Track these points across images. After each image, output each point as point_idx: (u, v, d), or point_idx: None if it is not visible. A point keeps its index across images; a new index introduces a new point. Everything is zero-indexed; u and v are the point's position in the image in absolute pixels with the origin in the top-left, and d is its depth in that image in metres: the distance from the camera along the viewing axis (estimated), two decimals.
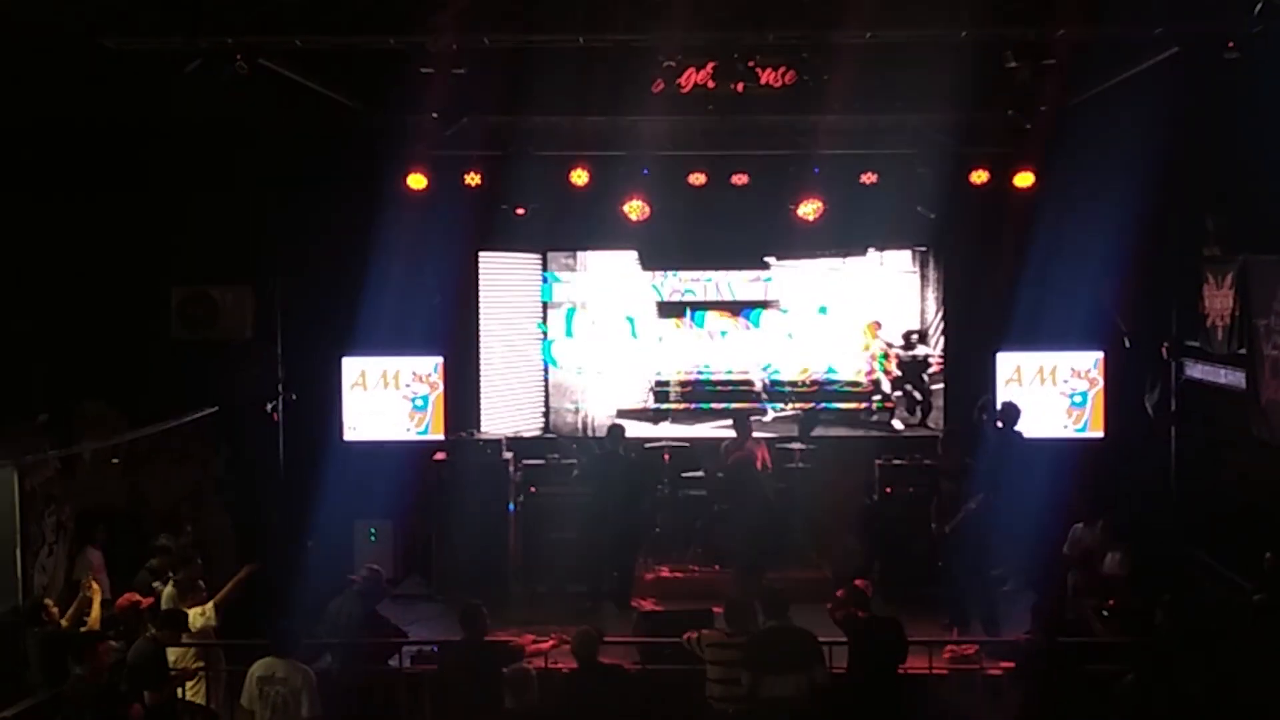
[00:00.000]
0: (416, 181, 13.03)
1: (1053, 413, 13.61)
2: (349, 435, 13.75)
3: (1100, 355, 13.62)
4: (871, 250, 14.70)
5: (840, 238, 14.25)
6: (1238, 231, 11.70)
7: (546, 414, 14.85)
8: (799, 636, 8.85)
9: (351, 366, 13.78)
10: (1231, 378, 11.48)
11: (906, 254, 14.69)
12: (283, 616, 9.41)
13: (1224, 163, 11.61)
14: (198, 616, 9.84)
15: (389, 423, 13.85)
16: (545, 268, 14.92)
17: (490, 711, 8.85)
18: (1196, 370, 12.53)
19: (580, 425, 14.94)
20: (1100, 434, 13.59)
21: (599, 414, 14.84)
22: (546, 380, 14.98)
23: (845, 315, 14.79)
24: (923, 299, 14.68)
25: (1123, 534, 11.33)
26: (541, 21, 10.04)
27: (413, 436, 13.84)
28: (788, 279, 14.85)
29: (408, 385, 13.84)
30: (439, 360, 13.91)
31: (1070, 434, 13.60)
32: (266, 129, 12.13)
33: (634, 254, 14.79)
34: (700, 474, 13.75)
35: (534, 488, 13.36)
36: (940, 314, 14.64)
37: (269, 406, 13.05)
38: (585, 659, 8.69)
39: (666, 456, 13.91)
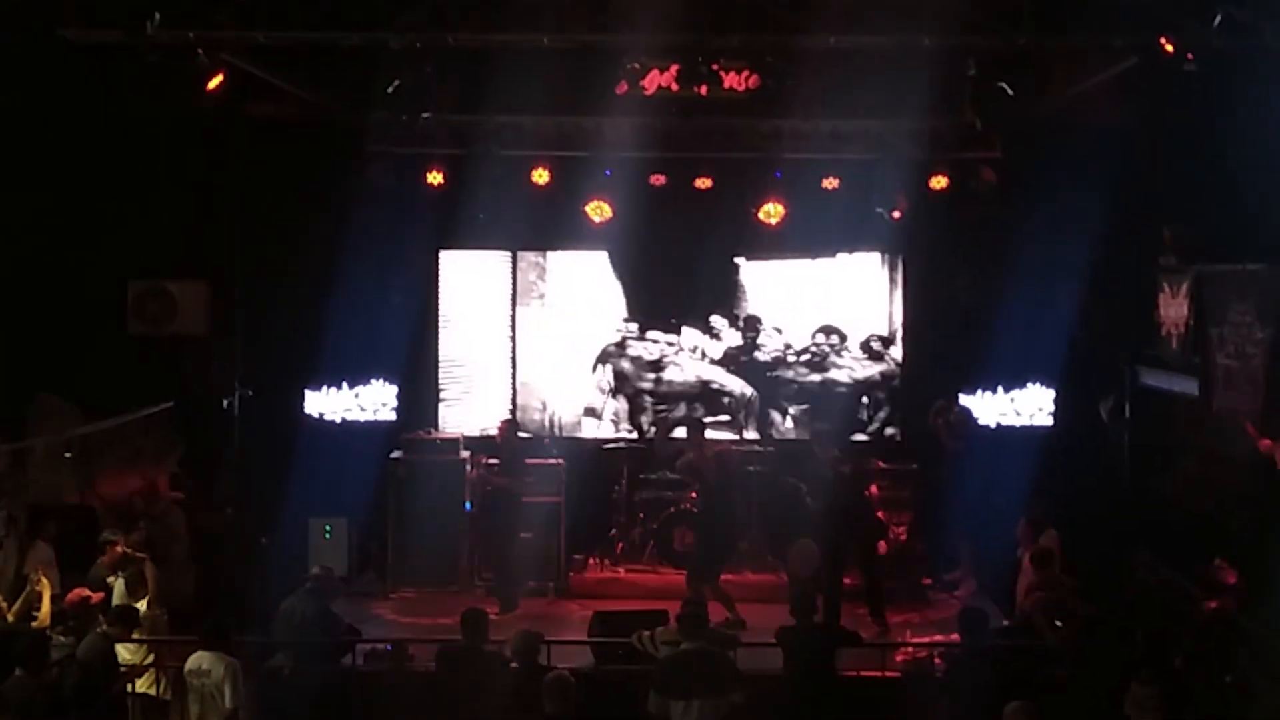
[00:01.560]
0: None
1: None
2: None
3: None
4: (840, 254, 14.70)
5: (804, 241, 14.25)
6: (1193, 242, 11.82)
7: (514, 412, 14.70)
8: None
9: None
10: (1185, 386, 11.59)
11: (875, 257, 14.69)
12: (214, 611, 9.39)
13: (1182, 174, 11.74)
14: (143, 605, 9.87)
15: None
16: (515, 267, 14.82)
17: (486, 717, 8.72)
18: (1151, 378, 12.65)
19: (547, 423, 14.82)
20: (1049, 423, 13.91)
21: (566, 413, 14.77)
22: (514, 379, 14.83)
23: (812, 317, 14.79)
24: (890, 302, 14.68)
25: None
26: (506, 21, 10.02)
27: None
28: (755, 279, 14.81)
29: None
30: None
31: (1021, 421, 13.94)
32: (225, 123, 12.05)
33: (604, 255, 14.71)
34: (656, 476, 13.75)
35: (489, 486, 13.31)
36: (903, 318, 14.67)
37: (225, 402, 12.96)
38: (525, 661, 8.65)
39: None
